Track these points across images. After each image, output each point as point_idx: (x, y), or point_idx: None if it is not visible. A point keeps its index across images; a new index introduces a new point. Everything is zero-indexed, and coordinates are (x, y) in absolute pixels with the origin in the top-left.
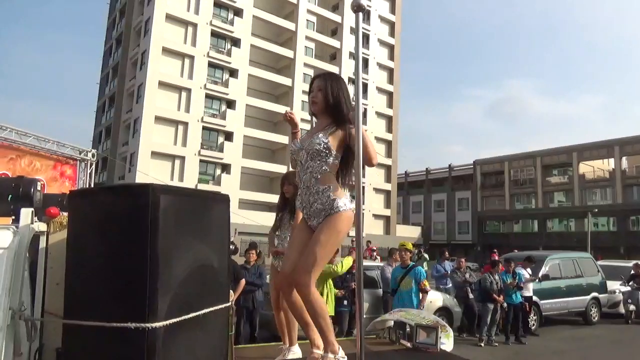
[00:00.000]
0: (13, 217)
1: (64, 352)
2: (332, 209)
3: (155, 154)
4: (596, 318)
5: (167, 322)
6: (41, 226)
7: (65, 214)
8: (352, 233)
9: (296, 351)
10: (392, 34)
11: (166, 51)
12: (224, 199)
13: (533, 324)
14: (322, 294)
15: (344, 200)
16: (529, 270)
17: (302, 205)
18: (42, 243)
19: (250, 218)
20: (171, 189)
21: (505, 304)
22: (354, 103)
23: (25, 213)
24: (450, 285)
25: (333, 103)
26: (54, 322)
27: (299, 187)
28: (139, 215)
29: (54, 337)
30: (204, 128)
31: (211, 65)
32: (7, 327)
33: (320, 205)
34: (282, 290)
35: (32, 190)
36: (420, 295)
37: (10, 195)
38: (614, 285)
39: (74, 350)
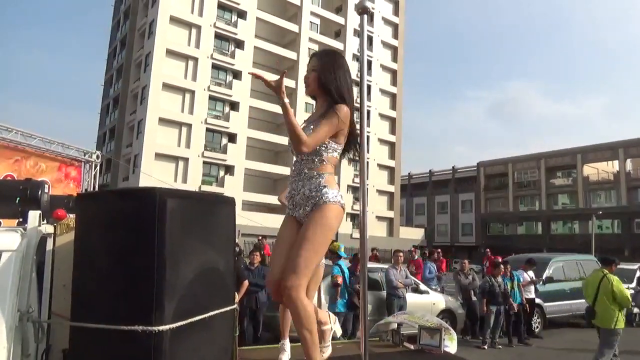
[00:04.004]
0: (20, 220)
1: (70, 354)
2: (321, 198)
3: (159, 156)
4: None
5: (174, 324)
6: (48, 228)
7: (72, 216)
8: (357, 235)
9: (286, 348)
10: (395, 35)
11: (170, 53)
12: (230, 202)
13: (537, 327)
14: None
15: (334, 192)
16: (530, 273)
17: (290, 195)
18: (49, 245)
19: (253, 220)
20: (177, 192)
21: (515, 307)
22: (357, 98)
23: (33, 215)
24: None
25: (325, 84)
26: (61, 324)
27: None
28: (146, 219)
29: (60, 339)
30: (207, 130)
31: (215, 67)
32: (15, 328)
33: (309, 192)
34: (276, 299)
35: (40, 192)
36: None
37: (18, 198)
38: None
39: (80, 352)
